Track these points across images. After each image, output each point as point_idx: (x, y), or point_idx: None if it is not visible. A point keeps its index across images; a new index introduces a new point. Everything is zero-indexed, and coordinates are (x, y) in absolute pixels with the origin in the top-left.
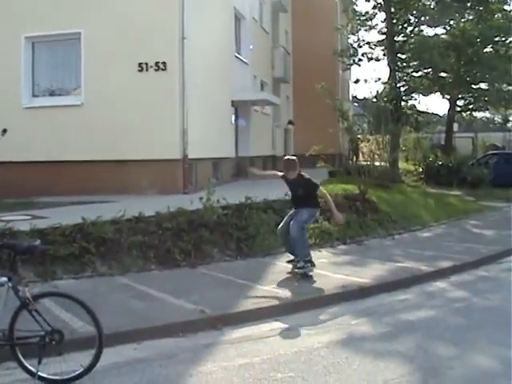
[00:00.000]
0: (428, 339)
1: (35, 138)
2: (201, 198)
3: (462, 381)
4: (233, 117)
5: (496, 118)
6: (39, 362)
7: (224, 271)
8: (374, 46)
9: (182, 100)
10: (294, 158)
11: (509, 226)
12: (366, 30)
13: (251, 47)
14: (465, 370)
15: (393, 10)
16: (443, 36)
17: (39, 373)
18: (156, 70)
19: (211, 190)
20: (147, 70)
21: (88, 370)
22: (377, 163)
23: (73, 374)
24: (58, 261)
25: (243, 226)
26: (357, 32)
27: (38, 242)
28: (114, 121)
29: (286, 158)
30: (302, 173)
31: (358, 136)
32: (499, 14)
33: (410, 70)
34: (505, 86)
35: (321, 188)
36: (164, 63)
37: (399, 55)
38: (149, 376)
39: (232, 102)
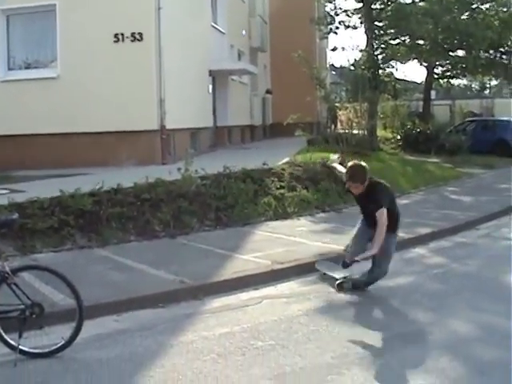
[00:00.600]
0: (407, 305)
1: (11, 111)
2: (179, 169)
3: (441, 346)
4: (210, 86)
5: (473, 85)
6: (20, 336)
7: (203, 241)
8: (351, 14)
9: (159, 70)
10: (362, 164)
11: (486, 193)
12: None
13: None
14: (443, 336)
15: None
16: (420, 3)
17: (20, 346)
18: (132, 40)
19: (189, 160)
20: (123, 40)
21: (69, 342)
22: (355, 131)
23: (54, 347)
24: (37, 234)
25: (222, 196)
26: (334, 0)
27: (15, 216)
28: (90, 92)
29: (351, 164)
30: (375, 180)
31: (336, 104)
32: None
33: (388, 38)
34: (482, 53)
35: (383, 211)
36: (140, 34)
37: (376, 23)
38: (130, 347)
39: (209, 71)
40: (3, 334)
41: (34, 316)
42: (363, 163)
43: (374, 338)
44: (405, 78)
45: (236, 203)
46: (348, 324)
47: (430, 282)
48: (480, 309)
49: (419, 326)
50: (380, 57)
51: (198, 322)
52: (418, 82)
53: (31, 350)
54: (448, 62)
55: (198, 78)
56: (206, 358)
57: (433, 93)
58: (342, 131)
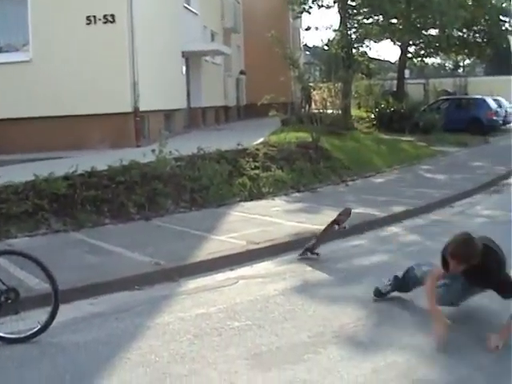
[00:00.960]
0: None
1: None
2: (153, 151)
3: (417, 323)
4: (183, 68)
5: (447, 64)
6: None
7: (178, 223)
8: None
9: (132, 52)
10: (467, 239)
11: (460, 171)
12: None
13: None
14: (419, 313)
15: None
16: None
17: None
18: (104, 22)
19: (163, 141)
20: (95, 22)
21: (45, 326)
22: (329, 111)
23: (30, 332)
24: (12, 219)
25: (196, 177)
26: None
27: None
28: (63, 76)
29: (462, 236)
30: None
31: (310, 84)
32: None
33: (361, 17)
34: (455, 31)
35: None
36: (112, 15)
37: (350, 2)
38: (106, 330)
39: (182, 53)
40: None
41: (9, 301)
42: (469, 237)
43: (350, 317)
44: (379, 57)
45: (211, 184)
46: (324, 303)
47: (405, 260)
48: None
49: (395, 304)
50: (353, 36)
51: (174, 303)
52: (392, 61)
53: (7, 336)
54: (421, 40)
55: (171, 59)
56: (183, 339)
57: (406, 72)
58: (316, 111)
